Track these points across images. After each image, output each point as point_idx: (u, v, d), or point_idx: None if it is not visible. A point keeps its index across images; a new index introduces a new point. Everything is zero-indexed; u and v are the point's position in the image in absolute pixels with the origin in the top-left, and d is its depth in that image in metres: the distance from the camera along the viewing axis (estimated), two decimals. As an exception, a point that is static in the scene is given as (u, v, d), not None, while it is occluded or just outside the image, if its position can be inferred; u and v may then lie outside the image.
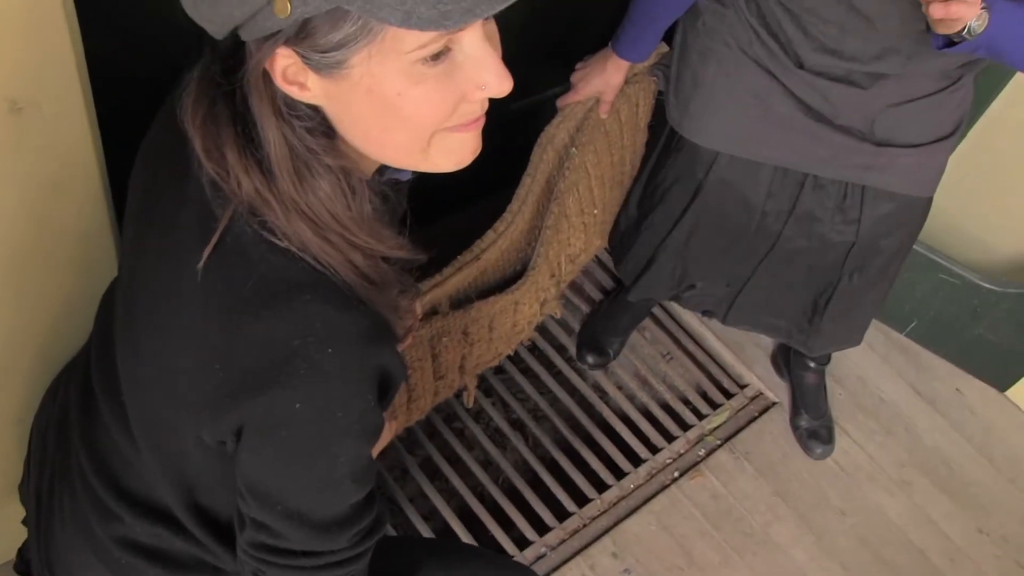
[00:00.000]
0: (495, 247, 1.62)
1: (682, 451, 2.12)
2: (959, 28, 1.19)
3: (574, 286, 2.30)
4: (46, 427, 1.19)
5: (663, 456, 2.10)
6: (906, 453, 2.24)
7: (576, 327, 2.26)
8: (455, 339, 1.62)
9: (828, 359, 2.21)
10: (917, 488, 2.19)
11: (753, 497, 2.08)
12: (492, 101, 0.78)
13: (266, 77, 0.75)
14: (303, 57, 0.72)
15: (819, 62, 1.47)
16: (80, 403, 1.10)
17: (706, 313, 2.04)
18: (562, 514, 1.99)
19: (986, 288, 2.14)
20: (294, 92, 0.75)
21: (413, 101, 0.74)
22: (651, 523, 2.00)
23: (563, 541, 1.95)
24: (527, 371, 2.18)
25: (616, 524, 1.99)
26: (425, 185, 1.04)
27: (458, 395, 1.91)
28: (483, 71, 0.74)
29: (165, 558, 1.06)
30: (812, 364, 2.17)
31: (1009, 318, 2.17)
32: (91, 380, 1.07)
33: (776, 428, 2.21)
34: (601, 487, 2.04)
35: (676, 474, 2.09)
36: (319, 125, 0.79)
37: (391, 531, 1.90)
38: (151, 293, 0.89)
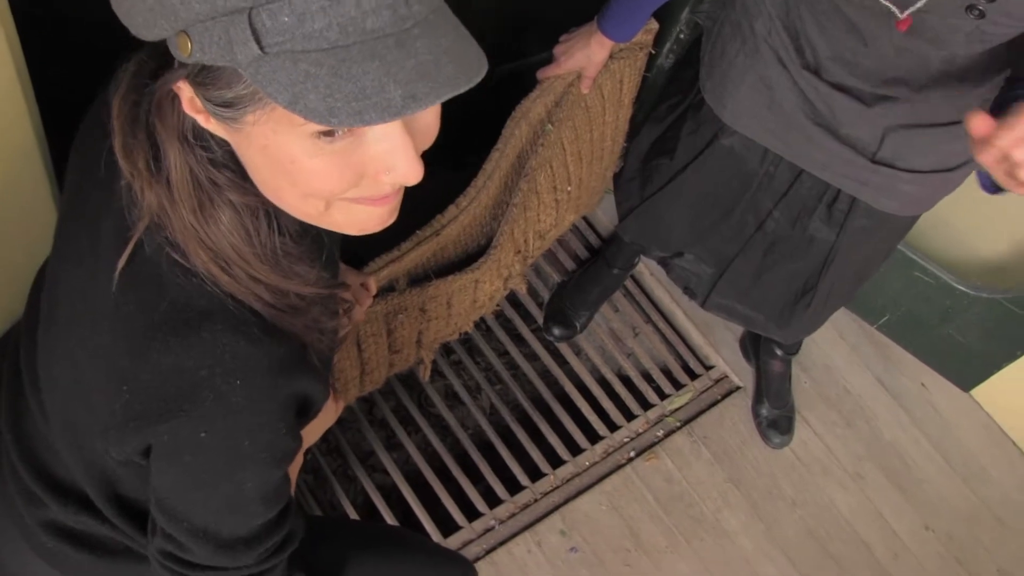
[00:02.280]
0: (456, 222, 1.58)
1: (640, 431, 2.12)
2: None
3: (547, 254, 2.27)
4: None
5: (621, 435, 2.10)
6: (864, 446, 2.25)
7: (545, 297, 2.23)
8: (412, 315, 1.59)
9: (798, 349, 2.20)
10: (870, 482, 2.20)
11: (706, 483, 2.09)
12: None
13: (173, 98, 0.71)
14: (201, 99, 0.69)
15: (832, 70, 1.43)
16: (9, 385, 1.08)
17: (687, 291, 2.01)
18: (514, 487, 1.99)
19: (959, 290, 2.12)
20: (200, 120, 0.72)
21: (306, 171, 0.70)
22: (602, 503, 2.01)
23: (513, 515, 1.95)
24: (490, 337, 2.17)
25: (567, 501, 1.99)
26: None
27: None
28: (389, 157, 0.70)
29: (91, 544, 1.05)
30: (780, 352, 2.16)
31: (978, 321, 2.16)
32: (19, 365, 1.05)
33: (737, 414, 2.20)
34: (556, 462, 2.04)
35: (632, 454, 2.08)
36: (225, 158, 0.75)
37: (317, 511, 1.90)
38: (70, 298, 0.87)
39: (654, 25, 1.71)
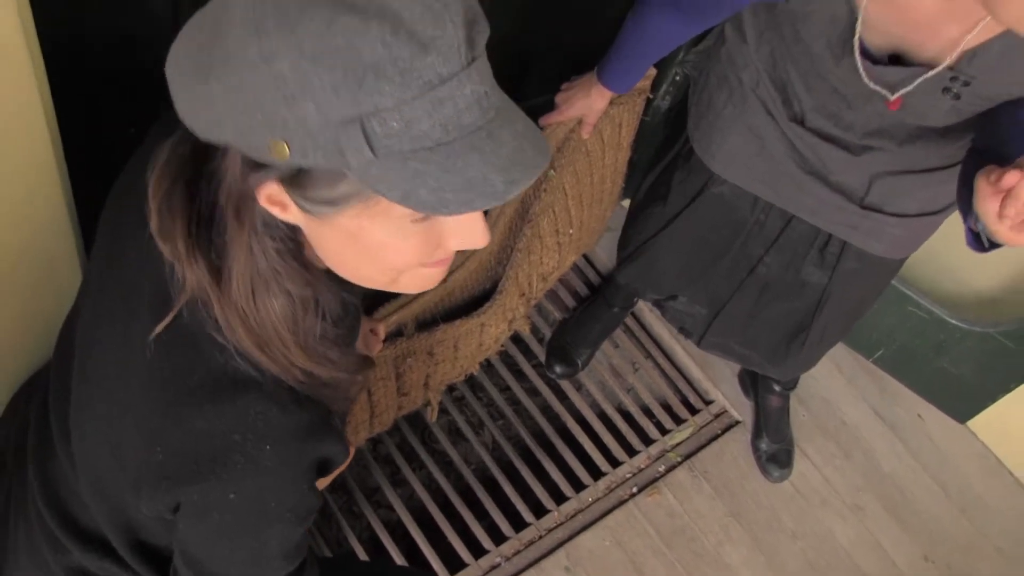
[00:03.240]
0: (463, 268, 1.62)
1: (642, 466, 2.15)
2: None
3: (549, 293, 2.31)
4: (4, 447, 1.20)
5: (623, 470, 2.13)
6: (862, 478, 2.28)
7: (547, 333, 2.27)
8: (420, 359, 1.63)
9: (795, 384, 2.24)
10: (869, 513, 2.23)
11: (708, 517, 2.12)
12: None
13: (252, 196, 0.74)
14: (290, 195, 0.73)
15: (817, 121, 1.47)
16: (37, 430, 1.11)
17: (682, 331, 2.05)
18: (519, 524, 2.02)
19: (952, 324, 2.17)
20: (275, 211, 0.75)
21: (394, 250, 0.76)
22: (605, 538, 2.03)
23: (518, 552, 1.98)
24: (493, 373, 2.20)
25: (571, 537, 2.02)
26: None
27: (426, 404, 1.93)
28: (470, 230, 0.77)
29: None
30: (778, 388, 2.20)
31: (971, 355, 2.20)
32: (48, 411, 1.08)
33: (737, 448, 2.23)
34: (560, 498, 2.06)
35: (634, 489, 2.12)
36: (290, 245, 0.78)
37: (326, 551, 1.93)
38: (105, 354, 0.90)
39: (652, 71, 1.76)
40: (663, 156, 1.81)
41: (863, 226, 1.57)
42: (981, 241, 1.18)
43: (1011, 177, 1.04)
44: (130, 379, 0.85)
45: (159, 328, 0.81)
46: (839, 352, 2.41)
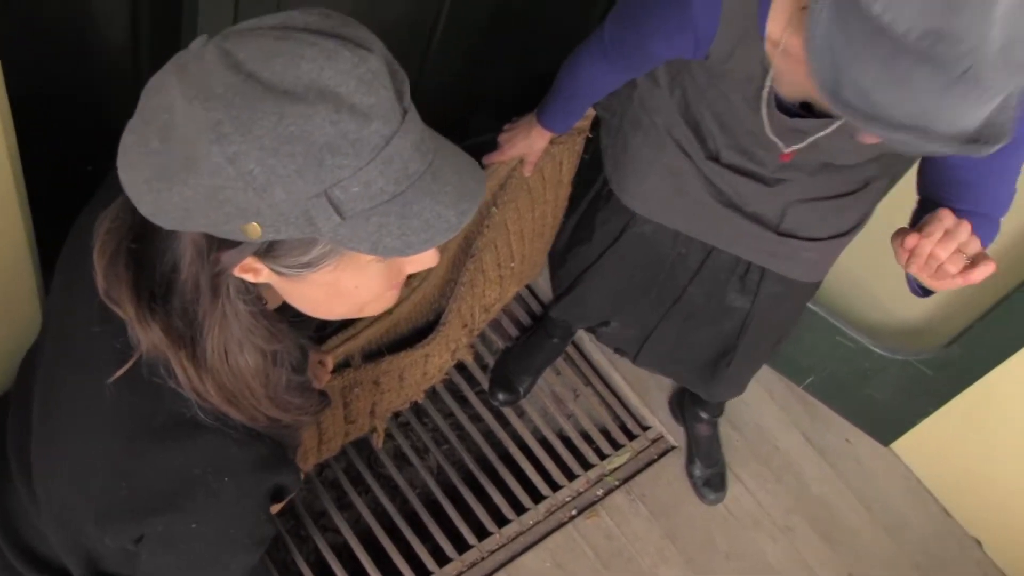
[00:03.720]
0: (408, 301, 1.69)
1: (582, 490, 2.23)
2: None
3: (492, 322, 2.38)
4: None
5: (563, 494, 2.21)
6: (793, 500, 2.38)
7: (490, 362, 2.34)
8: (366, 388, 1.69)
9: (721, 411, 2.33)
10: (799, 534, 2.33)
11: (644, 539, 2.20)
12: None
13: (222, 271, 0.80)
14: (265, 264, 0.79)
15: (731, 158, 1.56)
16: None
17: (618, 351, 2.14)
18: (462, 546, 2.08)
19: (877, 353, 2.28)
20: (248, 277, 0.81)
21: (365, 289, 0.84)
22: (546, 560, 2.11)
23: (460, 573, 2.04)
24: (437, 400, 2.27)
25: (513, 559, 2.09)
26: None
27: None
28: (423, 259, 0.86)
29: None
30: (705, 416, 2.29)
31: (894, 381, 2.32)
32: (5, 442, 1.13)
33: (672, 472, 2.32)
34: (502, 521, 2.13)
35: (574, 512, 2.19)
36: (259, 304, 0.85)
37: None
38: (69, 392, 0.95)
39: (591, 112, 1.84)
40: (584, 195, 1.89)
41: (780, 252, 1.67)
42: (918, 287, 1.30)
43: (910, 240, 1.15)
44: (94, 418, 0.91)
45: (116, 375, 0.86)
46: (772, 380, 2.52)
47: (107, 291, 0.84)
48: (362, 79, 0.72)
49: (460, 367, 2.32)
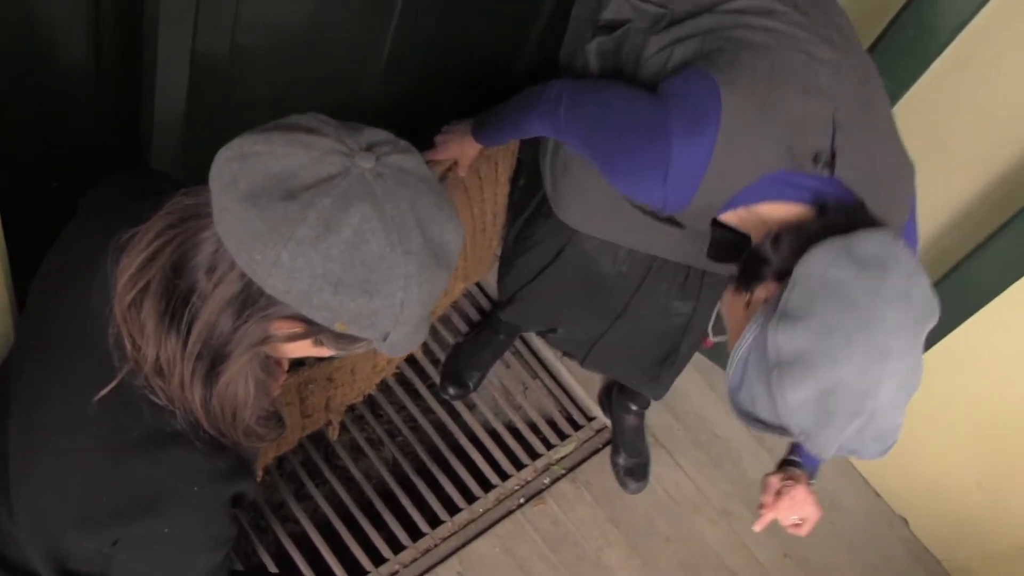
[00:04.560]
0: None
1: (529, 479, 2.34)
2: None
3: (442, 318, 2.48)
4: None
5: (511, 483, 2.31)
6: (730, 485, 2.51)
7: (441, 357, 2.44)
8: (320, 385, 1.79)
9: (648, 403, 2.42)
10: (736, 517, 2.46)
11: (589, 524, 2.32)
12: None
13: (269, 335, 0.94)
14: (328, 343, 0.96)
15: None
16: None
17: (566, 355, 2.23)
18: (416, 534, 2.18)
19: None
20: (283, 331, 0.94)
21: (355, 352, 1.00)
22: (495, 545, 2.22)
23: (415, 560, 2.15)
24: (390, 394, 2.36)
25: (464, 545, 2.20)
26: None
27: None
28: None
29: None
30: (634, 408, 2.39)
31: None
32: None
33: (616, 459, 2.44)
34: (453, 510, 2.24)
35: (522, 500, 2.30)
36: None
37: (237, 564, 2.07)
38: (51, 407, 1.04)
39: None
40: (525, 205, 1.96)
41: None
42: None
43: (765, 501, 1.54)
44: (75, 432, 1.00)
45: (101, 394, 0.96)
46: (712, 371, 2.64)
47: (123, 309, 0.93)
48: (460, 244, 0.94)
49: (412, 361, 2.41)
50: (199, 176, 0.95)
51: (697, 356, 2.59)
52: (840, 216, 1.17)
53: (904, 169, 1.35)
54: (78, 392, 0.98)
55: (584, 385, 2.52)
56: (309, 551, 2.11)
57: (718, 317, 1.35)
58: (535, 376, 2.53)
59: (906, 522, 2.62)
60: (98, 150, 1.50)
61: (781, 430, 1.14)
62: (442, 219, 0.89)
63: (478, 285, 2.57)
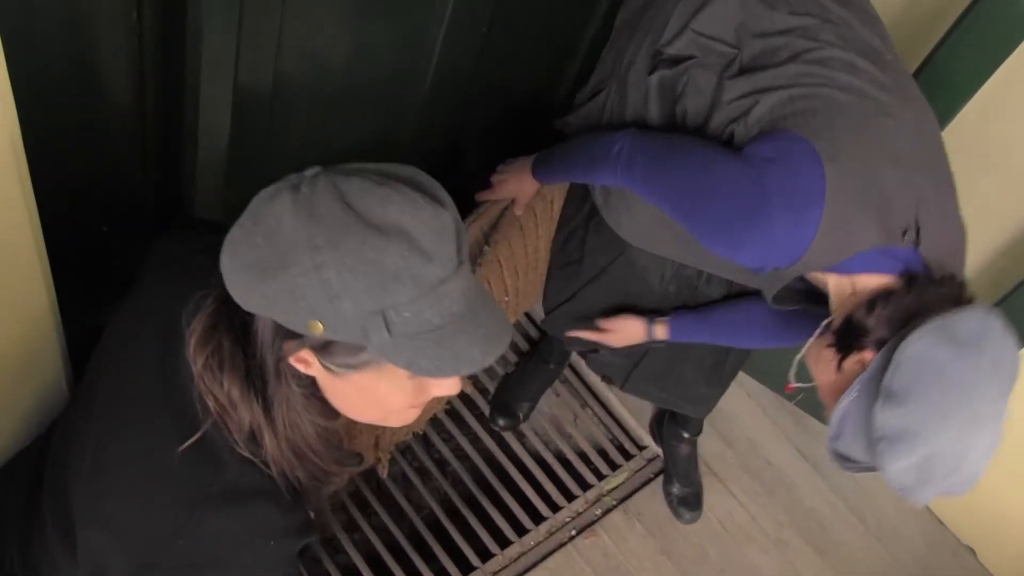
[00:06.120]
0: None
1: (580, 510, 2.31)
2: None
3: (490, 348, 2.47)
4: None
5: (563, 515, 2.29)
6: (785, 513, 2.46)
7: (490, 386, 2.43)
8: (369, 425, 1.78)
9: (700, 429, 2.39)
10: (791, 546, 2.41)
11: (641, 555, 2.28)
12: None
13: (283, 356, 0.96)
14: (319, 360, 0.94)
15: None
16: (23, 511, 1.24)
17: (604, 378, 2.21)
18: (466, 567, 2.17)
19: (862, 370, 2.36)
20: (300, 367, 0.96)
21: (393, 399, 0.99)
22: (547, 579, 2.20)
23: (465, 593, 2.13)
24: (439, 426, 2.35)
25: (515, 579, 2.18)
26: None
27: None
28: (448, 385, 1.00)
29: None
30: (686, 435, 2.37)
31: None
32: (40, 498, 1.21)
33: (668, 489, 2.40)
34: (504, 542, 2.22)
35: (573, 532, 2.28)
36: (314, 389, 1.00)
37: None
38: (126, 452, 1.05)
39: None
40: (571, 216, 1.96)
41: (757, 278, 1.74)
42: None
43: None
44: (154, 479, 1.02)
45: (186, 445, 0.99)
46: (763, 394, 2.60)
47: (206, 377, 0.97)
48: (433, 229, 0.88)
49: (461, 394, 2.40)
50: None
51: (747, 379, 2.55)
52: (931, 287, 1.25)
53: (962, 231, 1.38)
54: (155, 443, 1.01)
55: (635, 414, 2.49)
56: (360, 584, 2.11)
57: (800, 365, 1.43)
58: (585, 405, 2.50)
59: (973, 552, 2.54)
60: (145, 191, 1.53)
61: (873, 469, 1.25)
62: (381, 193, 0.88)
63: (527, 315, 2.56)
